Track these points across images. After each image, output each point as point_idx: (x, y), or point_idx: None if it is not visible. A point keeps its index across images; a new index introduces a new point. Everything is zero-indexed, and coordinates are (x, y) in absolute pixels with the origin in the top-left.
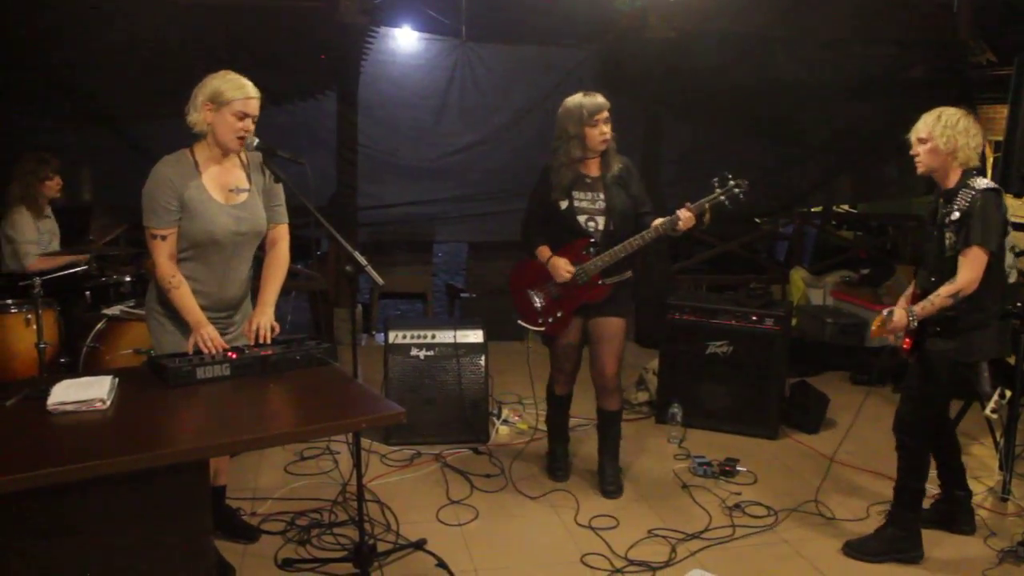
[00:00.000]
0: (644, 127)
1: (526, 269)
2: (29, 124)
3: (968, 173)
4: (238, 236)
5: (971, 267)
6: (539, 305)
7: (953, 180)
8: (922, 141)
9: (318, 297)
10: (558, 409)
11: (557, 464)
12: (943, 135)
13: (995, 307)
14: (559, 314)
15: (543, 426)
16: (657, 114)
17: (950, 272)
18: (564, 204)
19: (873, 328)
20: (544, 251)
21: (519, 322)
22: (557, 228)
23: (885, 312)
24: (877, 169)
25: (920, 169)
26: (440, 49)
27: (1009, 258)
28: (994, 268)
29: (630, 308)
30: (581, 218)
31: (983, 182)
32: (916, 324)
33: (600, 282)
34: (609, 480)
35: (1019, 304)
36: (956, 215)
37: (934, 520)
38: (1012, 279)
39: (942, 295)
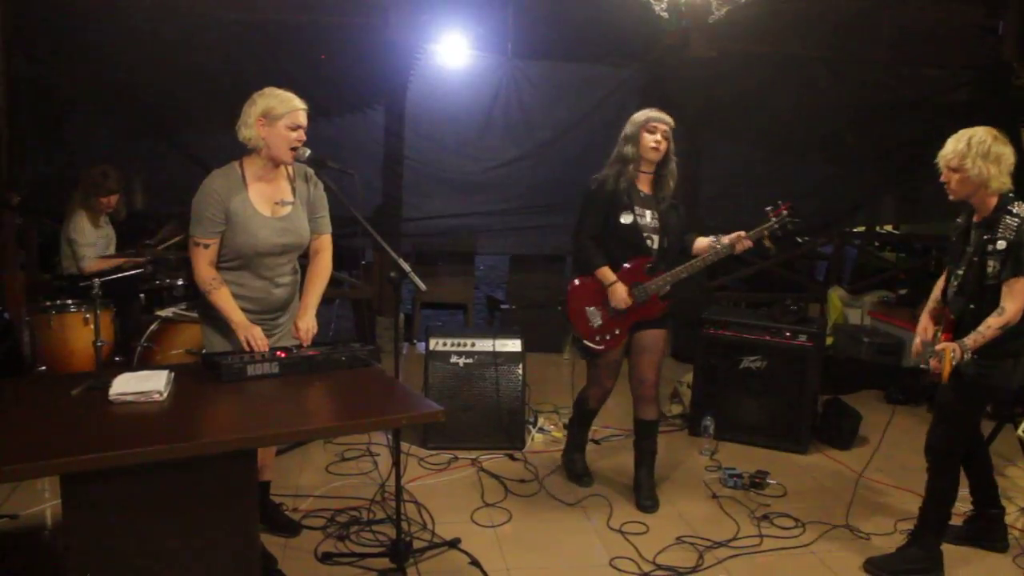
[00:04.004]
0: (685, 146)
1: (584, 288)
2: (88, 133)
3: (1006, 199)
4: (281, 248)
5: (1018, 297)
6: (597, 323)
7: (990, 206)
8: (952, 170)
9: (362, 305)
10: (586, 423)
11: (581, 470)
12: (974, 165)
13: None
14: (617, 331)
15: None
16: (699, 133)
17: (990, 300)
18: (628, 219)
19: (944, 370)
20: (607, 273)
21: (584, 343)
22: (614, 242)
23: (951, 355)
24: (920, 190)
25: (952, 197)
26: (486, 66)
27: None
28: None
29: (670, 317)
30: (644, 234)
31: None
32: (969, 356)
33: (659, 298)
34: (646, 495)
35: None
36: (1002, 244)
37: (967, 537)
38: None
39: (993, 327)
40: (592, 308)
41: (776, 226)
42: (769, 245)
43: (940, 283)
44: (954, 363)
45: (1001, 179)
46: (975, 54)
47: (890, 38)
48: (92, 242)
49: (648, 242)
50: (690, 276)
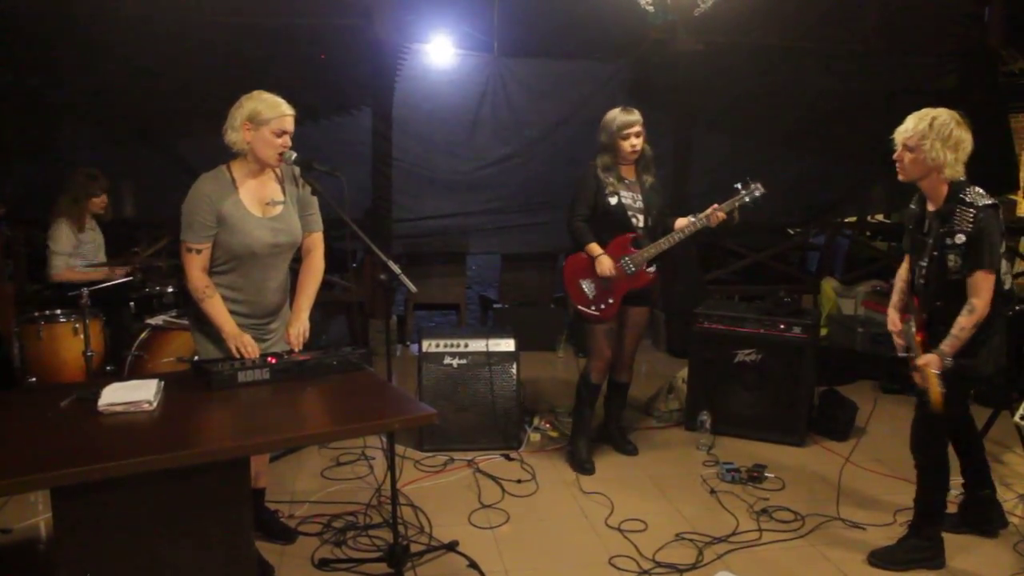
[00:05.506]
0: (674, 139)
1: (578, 262)
2: (74, 140)
3: (958, 186)
4: (275, 248)
5: (984, 291)
6: (592, 294)
7: (942, 194)
8: (908, 149)
9: (354, 309)
10: (591, 400)
11: (585, 458)
12: (932, 148)
13: (998, 319)
14: (610, 300)
15: None
16: (687, 126)
17: (954, 294)
18: (614, 201)
19: (933, 392)
20: (594, 248)
21: (579, 308)
22: (603, 223)
23: (934, 373)
24: None
25: (901, 177)
26: (473, 64)
27: (1004, 265)
28: (995, 281)
29: (652, 298)
30: (629, 213)
31: (980, 198)
32: (951, 362)
33: (647, 270)
34: (627, 440)
35: (1017, 308)
36: (961, 238)
37: (965, 523)
38: (1007, 284)
39: (967, 328)
40: (586, 281)
41: (747, 198)
42: (736, 216)
43: (902, 273)
44: (938, 375)
45: (956, 167)
46: (961, 41)
47: (876, 26)
48: (66, 252)
49: (634, 221)
50: (682, 270)
